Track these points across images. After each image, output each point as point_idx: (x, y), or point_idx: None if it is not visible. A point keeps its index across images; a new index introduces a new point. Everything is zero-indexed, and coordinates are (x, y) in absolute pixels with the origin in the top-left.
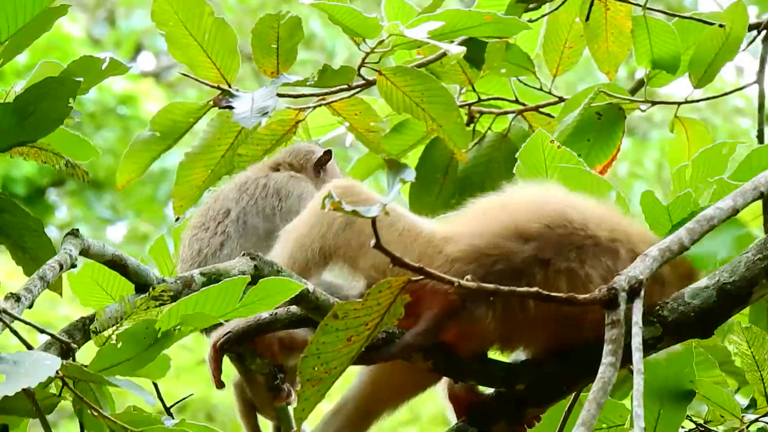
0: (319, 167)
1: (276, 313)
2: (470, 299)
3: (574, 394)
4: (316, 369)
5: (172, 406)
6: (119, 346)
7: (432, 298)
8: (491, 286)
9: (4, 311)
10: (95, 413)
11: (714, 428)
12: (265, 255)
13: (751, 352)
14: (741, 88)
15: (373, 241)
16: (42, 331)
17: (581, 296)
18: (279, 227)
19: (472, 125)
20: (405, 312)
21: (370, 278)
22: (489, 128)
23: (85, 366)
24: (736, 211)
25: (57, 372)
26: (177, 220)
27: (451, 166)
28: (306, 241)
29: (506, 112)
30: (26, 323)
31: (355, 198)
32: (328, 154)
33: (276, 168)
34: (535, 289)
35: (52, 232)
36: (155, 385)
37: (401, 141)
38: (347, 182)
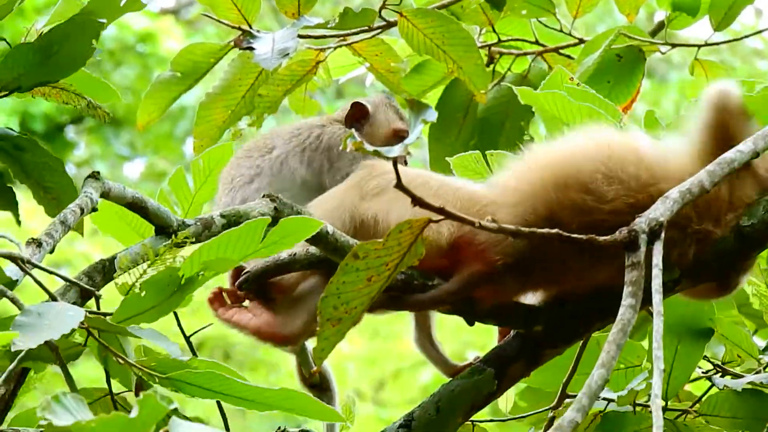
0: (351, 122)
1: (295, 253)
2: (510, 267)
3: (587, 336)
4: (336, 309)
5: (191, 335)
6: (143, 294)
7: (474, 259)
8: (511, 227)
9: (28, 261)
10: (121, 361)
11: (731, 369)
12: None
13: None
14: (761, 31)
15: (395, 182)
16: (64, 279)
17: (601, 238)
18: (321, 183)
19: (492, 66)
20: (445, 267)
21: None
22: (509, 69)
23: (109, 314)
24: (756, 154)
25: (81, 323)
26: (198, 160)
27: (471, 108)
28: (337, 211)
29: (526, 54)
30: (47, 271)
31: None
32: (358, 107)
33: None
34: (555, 230)
35: (71, 170)
36: (177, 319)
37: (421, 82)
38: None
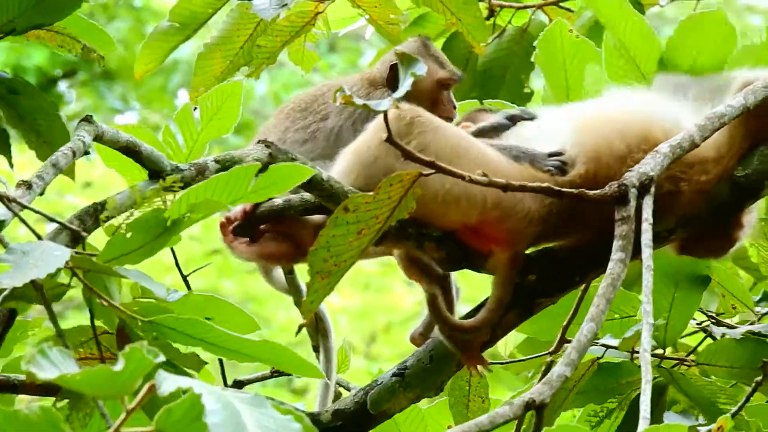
0: (390, 83)
1: (290, 199)
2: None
3: (584, 286)
4: (325, 262)
5: (188, 275)
6: (129, 235)
7: (499, 243)
8: (501, 181)
9: (14, 200)
10: (105, 303)
11: (726, 320)
12: None
13: (767, 246)
14: None
15: (385, 136)
16: (52, 220)
17: (591, 192)
18: None
19: (492, 19)
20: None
21: None
22: (509, 22)
23: (95, 255)
24: (747, 109)
25: (66, 263)
26: (195, 110)
27: (471, 60)
28: (372, 168)
29: (526, 6)
30: (36, 212)
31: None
32: (392, 68)
33: (377, 85)
34: (546, 185)
35: None
36: (174, 256)
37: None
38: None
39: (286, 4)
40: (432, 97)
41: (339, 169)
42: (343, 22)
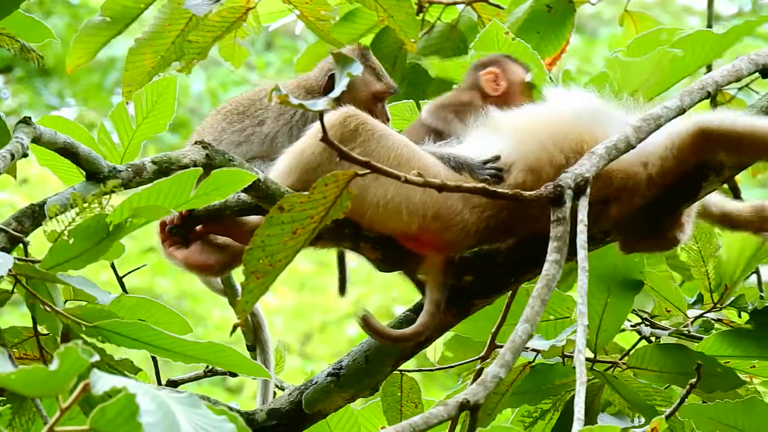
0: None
1: (226, 200)
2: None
3: (513, 289)
4: (260, 261)
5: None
6: (71, 242)
7: (435, 251)
8: (436, 181)
9: None
10: (48, 308)
11: (659, 322)
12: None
13: (698, 248)
14: None
15: (316, 137)
16: None
17: (527, 193)
18: None
19: (421, 15)
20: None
21: None
22: (438, 18)
23: (38, 261)
24: (683, 111)
25: (9, 270)
26: (128, 104)
27: (401, 56)
28: (313, 173)
29: (456, 3)
30: None
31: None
32: (330, 78)
33: (313, 92)
34: (481, 185)
35: None
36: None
37: (351, 30)
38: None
39: (218, 1)
40: (366, 108)
41: (278, 170)
42: (273, 17)
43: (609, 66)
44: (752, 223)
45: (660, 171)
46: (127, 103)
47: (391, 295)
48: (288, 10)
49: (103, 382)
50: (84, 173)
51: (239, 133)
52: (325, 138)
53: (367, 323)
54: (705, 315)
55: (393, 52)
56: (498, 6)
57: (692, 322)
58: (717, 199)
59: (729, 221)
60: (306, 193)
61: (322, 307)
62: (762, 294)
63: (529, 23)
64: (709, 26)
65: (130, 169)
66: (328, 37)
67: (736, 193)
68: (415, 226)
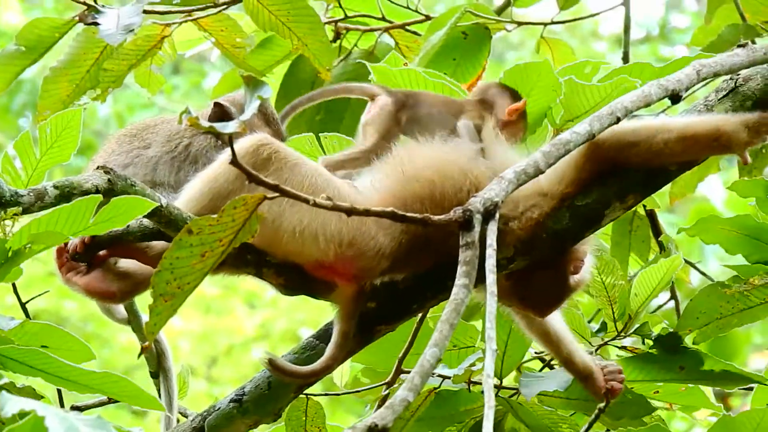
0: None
1: (128, 225)
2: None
3: (420, 316)
4: (168, 284)
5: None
6: None
7: (346, 279)
8: (346, 205)
9: None
10: None
11: None
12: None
13: (602, 279)
14: (607, 10)
15: (231, 159)
16: None
17: (436, 217)
18: None
19: (338, 42)
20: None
21: None
22: (355, 45)
23: None
24: (592, 136)
25: None
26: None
27: (316, 83)
28: (220, 200)
29: (373, 30)
30: None
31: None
32: (219, 109)
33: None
34: (390, 209)
35: None
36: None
37: (267, 57)
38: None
39: (132, 29)
40: None
41: (188, 195)
42: (189, 45)
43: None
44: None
45: (563, 189)
46: (45, 123)
47: (296, 317)
48: (204, 37)
49: (12, 404)
50: None
51: (126, 154)
52: (234, 161)
53: (274, 366)
54: (609, 343)
55: (309, 79)
56: (415, 33)
57: (597, 350)
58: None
59: (567, 362)
60: (215, 216)
61: (228, 330)
62: (665, 322)
63: (446, 50)
64: (626, 52)
65: (32, 194)
66: (244, 65)
67: (653, 222)
68: (332, 253)
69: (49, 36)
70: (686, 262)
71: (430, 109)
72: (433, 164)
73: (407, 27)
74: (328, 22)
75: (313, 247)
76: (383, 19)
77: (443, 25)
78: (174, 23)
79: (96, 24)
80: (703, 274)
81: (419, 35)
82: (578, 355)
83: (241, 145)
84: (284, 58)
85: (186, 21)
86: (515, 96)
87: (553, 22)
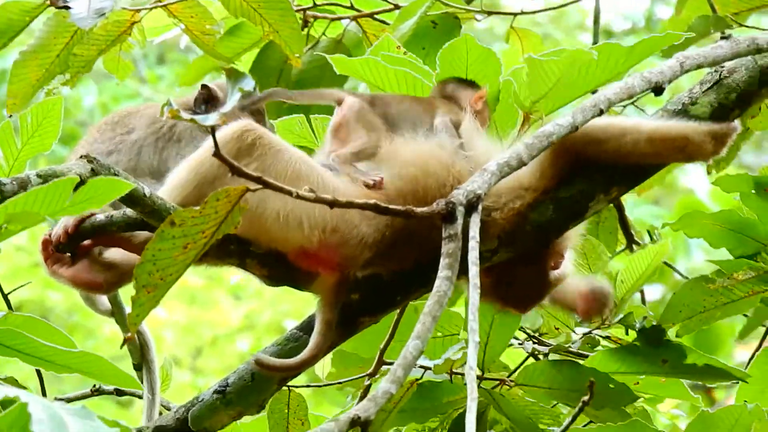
0: (198, 106)
1: (112, 215)
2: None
3: (402, 307)
4: (151, 275)
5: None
6: None
7: (330, 268)
8: (328, 197)
9: None
10: None
11: (548, 340)
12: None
13: (588, 264)
14: (577, 0)
15: (213, 150)
16: None
17: (419, 209)
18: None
19: (306, 30)
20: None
21: None
22: (323, 33)
23: None
24: (575, 128)
25: None
26: (11, 116)
27: (285, 71)
28: (205, 187)
29: (341, 18)
30: None
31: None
32: (205, 91)
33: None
34: (373, 201)
35: None
36: None
37: (236, 44)
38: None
39: (103, 14)
40: None
41: (173, 183)
42: (158, 31)
43: (515, 74)
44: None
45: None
46: (10, 115)
47: (281, 309)
48: (173, 24)
49: None
50: None
51: (109, 141)
52: (217, 153)
53: (262, 365)
54: (593, 332)
55: (278, 67)
56: (383, 21)
57: (581, 339)
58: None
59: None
60: (197, 207)
61: (212, 321)
62: (650, 313)
63: (415, 39)
64: (596, 42)
65: (14, 183)
66: (214, 52)
67: (620, 213)
68: (316, 239)
69: (19, 19)
70: (664, 263)
71: (400, 107)
72: (416, 161)
73: (376, 16)
74: (297, 11)
75: (298, 232)
76: (351, 7)
77: (413, 14)
78: (144, 9)
79: (67, 8)
80: (680, 274)
81: (388, 24)
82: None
83: (225, 132)
84: (252, 46)
85: (156, 7)
86: (473, 85)
87: (522, 13)
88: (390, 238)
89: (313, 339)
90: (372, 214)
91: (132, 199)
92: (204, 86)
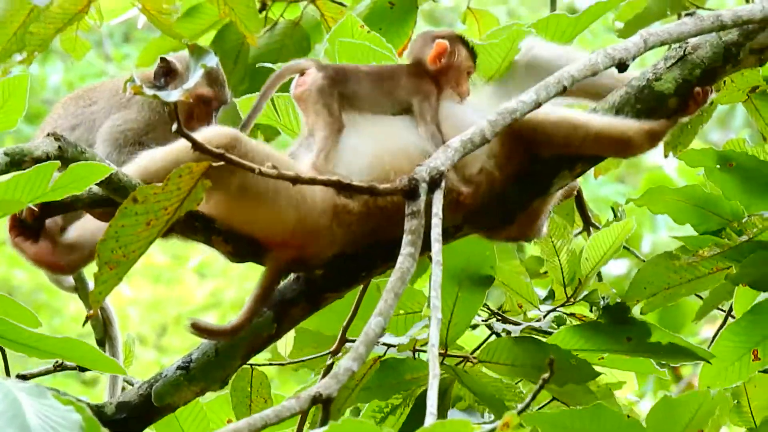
0: (158, 79)
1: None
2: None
3: (364, 284)
4: (114, 252)
5: None
6: None
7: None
8: (290, 174)
9: None
10: None
11: (512, 318)
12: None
13: (552, 241)
14: None
15: (175, 126)
16: None
17: (382, 186)
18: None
19: (264, 13)
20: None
21: None
22: (281, 16)
23: None
24: (539, 105)
25: None
26: None
27: (242, 52)
28: (161, 163)
29: (298, 0)
30: None
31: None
32: (164, 63)
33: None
34: (336, 178)
35: None
36: None
37: (194, 25)
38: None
39: None
40: (189, 107)
41: (138, 165)
42: (116, 13)
43: None
44: None
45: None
46: None
47: (247, 287)
48: (131, 4)
49: None
50: None
51: (72, 116)
52: (179, 129)
53: (198, 328)
54: (557, 310)
55: (235, 48)
56: (341, 3)
57: (545, 317)
58: None
59: None
60: (160, 184)
61: (177, 299)
62: (613, 290)
63: (371, 19)
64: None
65: None
66: (171, 32)
67: (578, 194)
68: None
69: None
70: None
71: (367, 81)
72: (384, 143)
73: None
74: None
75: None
76: None
77: None
78: None
79: None
80: (638, 257)
81: (345, 6)
82: None
83: (207, 134)
84: (210, 28)
85: None
86: (451, 41)
87: None
88: (360, 234)
89: (247, 303)
90: (346, 216)
91: None
92: (163, 59)
